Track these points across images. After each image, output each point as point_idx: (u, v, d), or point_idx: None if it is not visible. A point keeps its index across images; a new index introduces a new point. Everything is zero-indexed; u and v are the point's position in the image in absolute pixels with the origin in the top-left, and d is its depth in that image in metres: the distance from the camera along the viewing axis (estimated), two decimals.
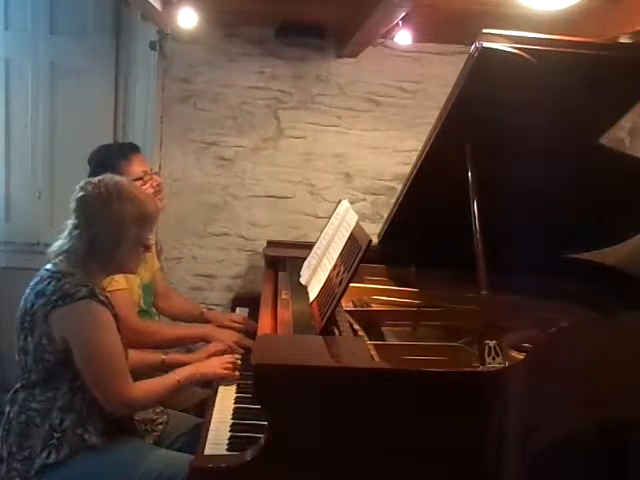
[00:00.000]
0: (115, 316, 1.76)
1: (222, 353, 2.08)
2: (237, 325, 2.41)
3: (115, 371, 1.69)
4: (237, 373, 1.93)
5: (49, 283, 1.70)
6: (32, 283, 1.76)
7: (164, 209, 2.49)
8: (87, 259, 1.74)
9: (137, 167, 2.31)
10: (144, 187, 2.27)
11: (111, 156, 2.31)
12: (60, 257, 1.76)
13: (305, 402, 1.40)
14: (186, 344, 2.17)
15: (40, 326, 1.68)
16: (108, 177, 1.81)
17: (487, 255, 1.64)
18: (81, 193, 1.77)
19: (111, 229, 1.74)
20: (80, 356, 1.67)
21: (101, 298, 1.70)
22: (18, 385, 1.76)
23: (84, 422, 1.70)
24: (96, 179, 1.80)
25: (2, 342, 3.01)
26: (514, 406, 1.41)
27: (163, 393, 1.83)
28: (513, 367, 1.48)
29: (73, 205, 1.78)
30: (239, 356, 2.07)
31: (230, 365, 1.93)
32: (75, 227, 1.76)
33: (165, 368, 2.02)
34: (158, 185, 2.37)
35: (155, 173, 2.41)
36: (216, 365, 1.93)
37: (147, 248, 1.85)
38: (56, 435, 1.67)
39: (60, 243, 1.77)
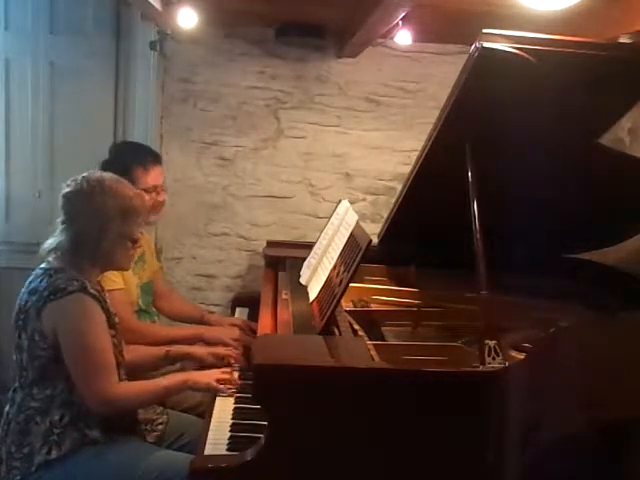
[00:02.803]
0: (108, 312, 1.77)
1: (225, 359, 2.03)
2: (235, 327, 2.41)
3: (99, 366, 1.68)
4: (229, 389, 1.84)
5: (42, 280, 1.72)
6: (27, 282, 1.77)
7: (155, 222, 2.49)
8: (75, 255, 1.76)
9: (151, 180, 2.31)
10: (148, 197, 2.26)
11: (133, 158, 2.31)
12: (52, 255, 1.77)
13: (305, 402, 1.40)
14: (182, 344, 2.17)
15: (33, 322, 1.69)
16: (92, 173, 1.83)
17: (487, 255, 1.64)
18: (65, 190, 1.80)
19: (93, 223, 1.75)
20: (66, 348, 1.67)
21: (92, 292, 1.71)
22: (16, 384, 1.76)
23: (85, 417, 1.70)
24: (80, 176, 1.81)
25: (2, 342, 3.01)
26: (514, 406, 1.41)
27: (147, 396, 1.81)
28: (513, 367, 1.48)
29: (60, 202, 1.80)
30: (237, 371, 1.98)
31: (227, 377, 1.87)
32: (62, 223, 1.78)
33: (170, 360, 2.03)
34: (162, 201, 2.37)
35: (163, 188, 2.40)
36: (212, 376, 1.87)
37: (134, 242, 1.84)
38: (56, 431, 1.68)
39: (51, 241, 1.79)
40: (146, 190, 2.27)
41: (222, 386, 1.83)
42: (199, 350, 2.07)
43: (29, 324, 1.70)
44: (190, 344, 2.20)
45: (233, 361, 2.03)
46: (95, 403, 1.69)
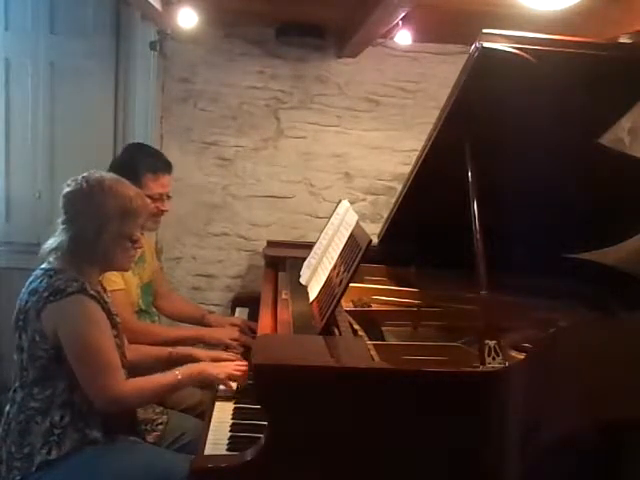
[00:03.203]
0: (109, 312, 1.76)
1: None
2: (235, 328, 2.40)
3: (104, 366, 1.67)
4: (234, 386, 1.81)
5: (42, 281, 1.71)
6: (27, 282, 1.76)
7: (155, 230, 2.52)
8: (74, 255, 1.75)
9: (158, 187, 2.31)
10: (150, 204, 2.25)
11: (143, 163, 2.30)
12: (52, 255, 1.76)
13: (305, 402, 1.40)
14: (183, 345, 2.16)
15: (33, 323, 1.69)
16: (92, 173, 1.82)
17: (487, 255, 1.64)
18: (66, 189, 1.79)
19: (92, 223, 1.75)
20: (69, 350, 1.67)
21: (92, 293, 1.70)
22: (17, 384, 1.76)
23: (85, 417, 1.70)
24: (81, 175, 1.80)
25: (2, 342, 3.01)
26: (514, 406, 1.41)
27: (159, 390, 1.80)
28: (513, 367, 1.48)
29: (60, 202, 1.79)
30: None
31: (239, 374, 1.83)
32: (62, 223, 1.78)
33: (172, 362, 2.00)
34: (163, 210, 2.37)
35: (169, 197, 2.40)
36: (226, 370, 1.84)
37: (134, 242, 1.82)
38: (57, 432, 1.68)
39: (51, 241, 1.78)
40: (151, 197, 2.26)
41: (230, 383, 1.80)
42: (201, 353, 2.04)
43: (29, 325, 1.70)
44: (191, 345, 2.19)
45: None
46: (103, 402, 1.68)
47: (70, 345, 1.67)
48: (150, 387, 1.78)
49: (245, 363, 1.90)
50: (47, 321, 1.67)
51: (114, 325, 1.79)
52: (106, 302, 1.78)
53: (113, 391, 1.67)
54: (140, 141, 2.91)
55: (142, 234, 1.89)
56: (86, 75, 3.15)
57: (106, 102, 3.18)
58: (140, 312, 2.34)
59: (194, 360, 1.98)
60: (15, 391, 1.76)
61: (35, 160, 3.21)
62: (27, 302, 1.71)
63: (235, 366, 1.87)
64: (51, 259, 1.77)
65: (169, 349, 2.03)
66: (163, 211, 2.38)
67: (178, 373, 1.79)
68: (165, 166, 2.38)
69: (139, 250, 1.94)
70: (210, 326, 2.46)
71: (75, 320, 1.68)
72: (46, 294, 1.68)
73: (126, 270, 1.98)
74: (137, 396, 1.75)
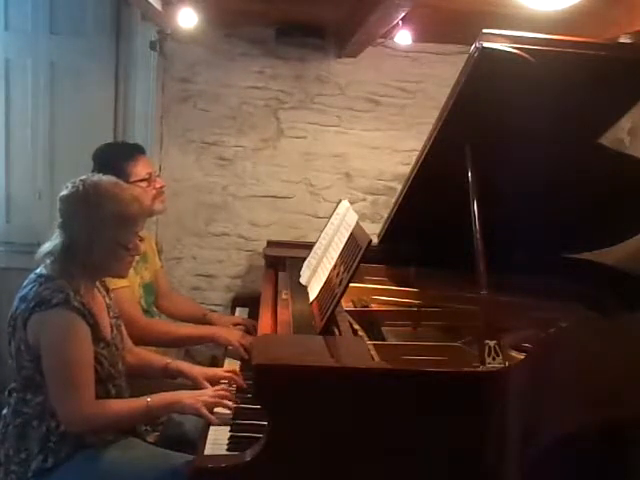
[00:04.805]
0: (94, 325, 1.71)
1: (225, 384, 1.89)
2: (240, 327, 2.40)
3: (75, 382, 1.62)
4: (215, 418, 1.67)
5: (32, 288, 1.68)
6: (22, 286, 1.73)
7: (165, 211, 2.50)
8: (67, 259, 1.70)
9: (142, 168, 2.30)
10: (147, 188, 2.27)
11: (116, 156, 2.31)
12: (47, 259, 1.72)
13: (305, 402, 1.40)
14: (192, 343, 2.14)
15: (19, 332, 1.66)
16: (90, 176, 1.78)
17: (487, 255, 1.64)
18: (63, 192, 1.75)
19: (85, 228, 1.70)
20: (44, 362, 1.63)
21: (76, 305, 1.65)
22: (12, 385, 1.75)
23: None
24: (79, 178, 1.76)
25: (2, 342, 3.01)
26: (514, 406, 1.41)
27: (127, 415, 1.71)
28: (513, 367, 1.48)
29: (57, 205, 1.76)
30: (233, 389, 1.85)
31: (217, 402, 1.71)
32: (58, 227, 1.74)
33: (168, 373, 1.97)
34: (161, 187, 2.37)
35: (158, 175, 2.41)
36: (203, 400, 1.70)
37: (129, 250, 1.77)
38: (53, 439, 1.66)
39: (47, 244, 1.74)
40: (144, 180, 2.27)
41: (212, 416, 1.67)
42: (193, 370, 1.94)
43: (17, 333, 1.67)
44: (200, 343, 2.16)
45: (235, 385, 1.89)
46: (66, 421, 1.63)
47: (45, 358, 1.64)
48: (117, 411, 1.70)
49: (224, 389, 1.78)
50: (31, 331, 1.65)
51: (102, 338, 1.74)
52: (92, 315, 1.71)
53: (80, 410, 1.62)
54: (139, 142, 2.90)
55: (141, 239, 1.85)
56: (86, 75, 3.15)
57: (106, 102, 3.18)
58: (142, 312, 2.33)
59: (185, 377, 1.93)
60: (10, 394, 1.74)
61: (35, 160, 3.21)
62: (17, 308, 1.69)
63: (213, 392, 1.75)
64: (46, 262, 1.73)
65: (167, 360, 2.00)
66: (161, 187, 2.37)
67: (150, 400, 1.70)
68: (137, 148, 2.39)
69: (136, 257, 1.89)
70: (212, 324, 2.46)
71: (53, 334, 1.64)
72: (32, 304, 1.65)
73: (123, 277, 1.92)
74: (102, 418, 1.67)
